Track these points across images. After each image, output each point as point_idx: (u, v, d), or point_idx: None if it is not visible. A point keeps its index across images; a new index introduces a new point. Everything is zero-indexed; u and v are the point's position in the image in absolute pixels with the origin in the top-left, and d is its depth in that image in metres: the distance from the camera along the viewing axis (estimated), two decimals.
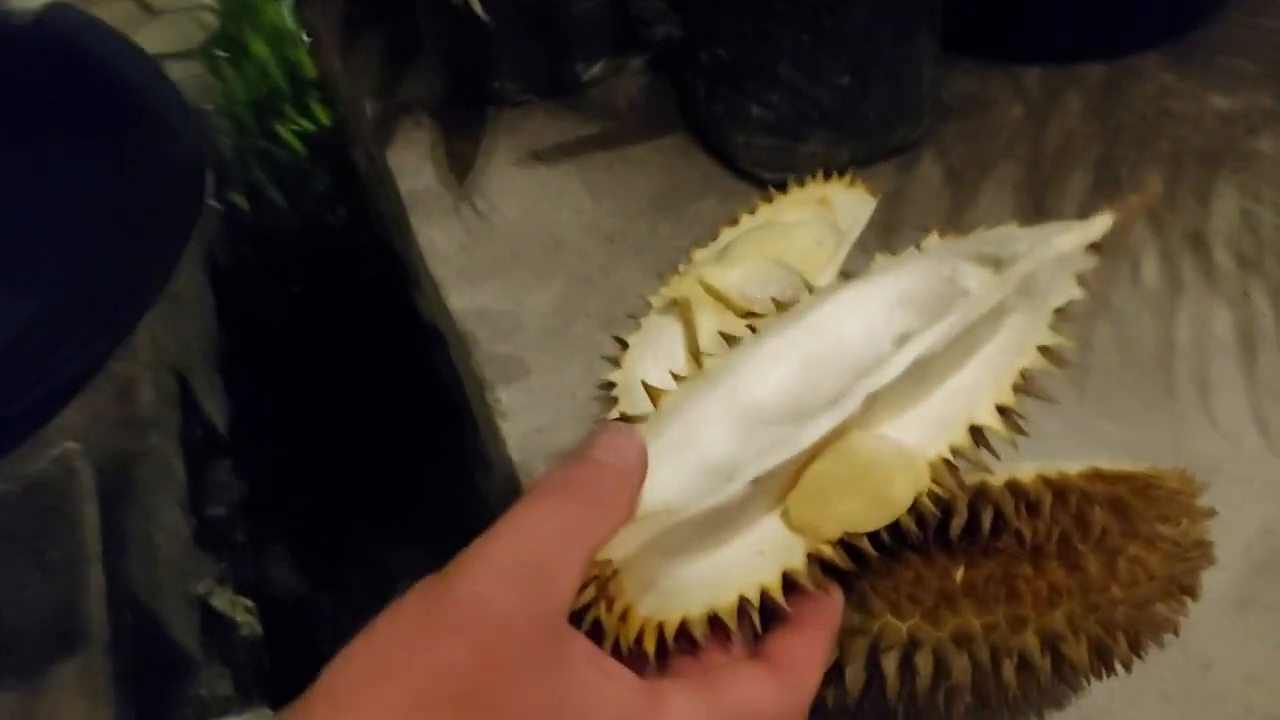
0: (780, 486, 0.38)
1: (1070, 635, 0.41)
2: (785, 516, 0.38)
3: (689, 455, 0.38)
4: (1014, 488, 0.41)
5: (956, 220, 0.71)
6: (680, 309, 0.58)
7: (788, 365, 0.41)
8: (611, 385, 0.57)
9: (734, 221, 0.61)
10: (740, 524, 0.38)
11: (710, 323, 0.56)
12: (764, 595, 0.37)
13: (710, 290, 0.56)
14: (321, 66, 1.22)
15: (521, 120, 0.81)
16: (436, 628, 0.31)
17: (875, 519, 0.37)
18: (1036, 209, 0.71)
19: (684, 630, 0.36)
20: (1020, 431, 0.40)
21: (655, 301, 0.59)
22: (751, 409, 0.40)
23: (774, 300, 0.54)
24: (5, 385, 0.51)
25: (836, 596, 0.39)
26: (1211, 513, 0.44)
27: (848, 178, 0.61)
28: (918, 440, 0.38)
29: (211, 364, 1.14)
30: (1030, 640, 0.41)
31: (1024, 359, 0.40)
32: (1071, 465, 0.42)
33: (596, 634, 0.35)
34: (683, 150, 0.77)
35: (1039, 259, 0.40)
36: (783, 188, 0.62)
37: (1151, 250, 0.67)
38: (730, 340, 0.43)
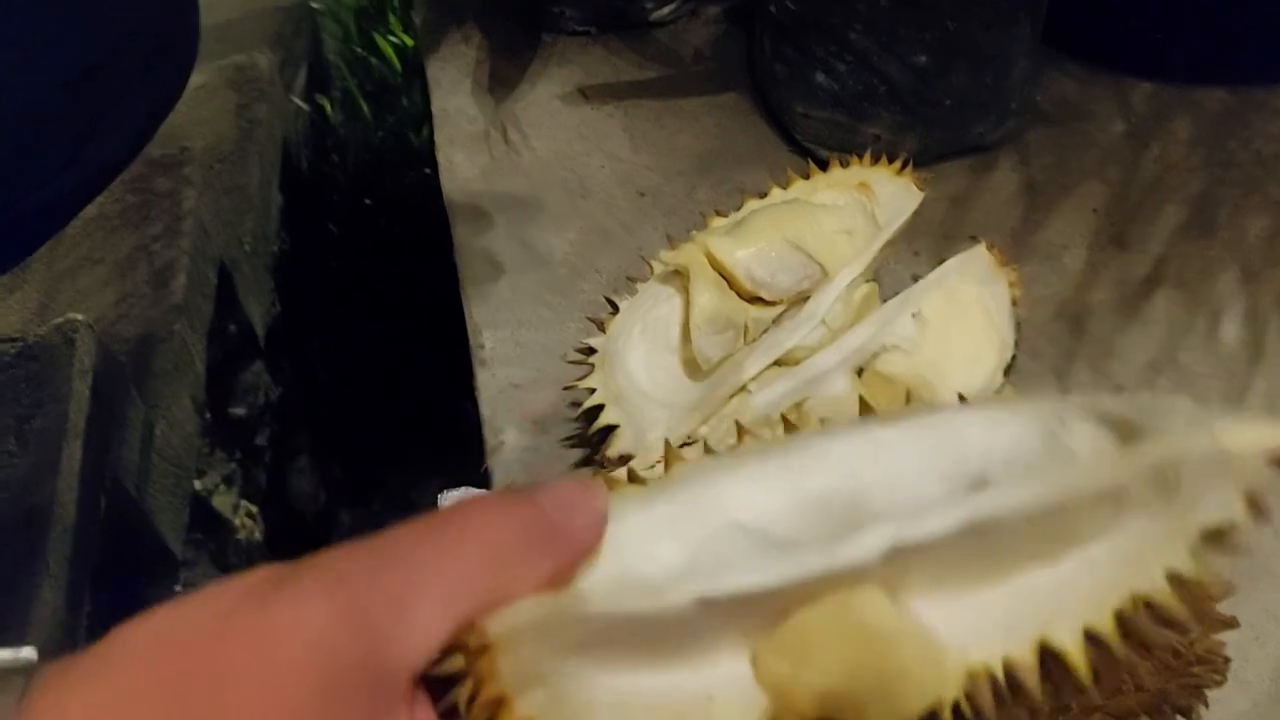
0: (757, 626, 0.29)
1: None
2: (754, 666, 0.29)
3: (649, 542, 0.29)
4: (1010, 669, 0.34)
5: (1026, 238, 0.63)
6: (680, 281, 0.51)
7: (835, 471, 0.30)
8: (591, 351, 0.51)
9: (762, 194, 0.54)
10: (692, 653, 0.28)
11: (709, 300, 0.50)
12: None
13: (715, 264, 0.50)
14: None
15: (577, 52, 0.75)
16: (225, 663, 0.23)
17: (868, 708, 0.28)
18: (1115, 241, 0.63)
19: None
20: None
21: (657, 267, 0.53)
22: (747, 523, 0.30)
23: (785, 290, 0.47)
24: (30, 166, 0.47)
25: None
26: (1232, 623, 0.37)
27: (896, 164, 0.54)
28: (959, 635, 0.28)
29: (265, 264, 1.10)
30: None
31: (1142, 580, 0.28)
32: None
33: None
34: (740, 112, 0.71)
35: (1189, 447, 0.28)
36: (835, 159, 0.55)
37: (1237, 307, 0.59)
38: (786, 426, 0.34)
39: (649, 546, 0.29)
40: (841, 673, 0.27)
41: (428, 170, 1.19)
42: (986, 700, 0.27)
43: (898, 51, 0.60)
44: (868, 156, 0.55)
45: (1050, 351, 0.58)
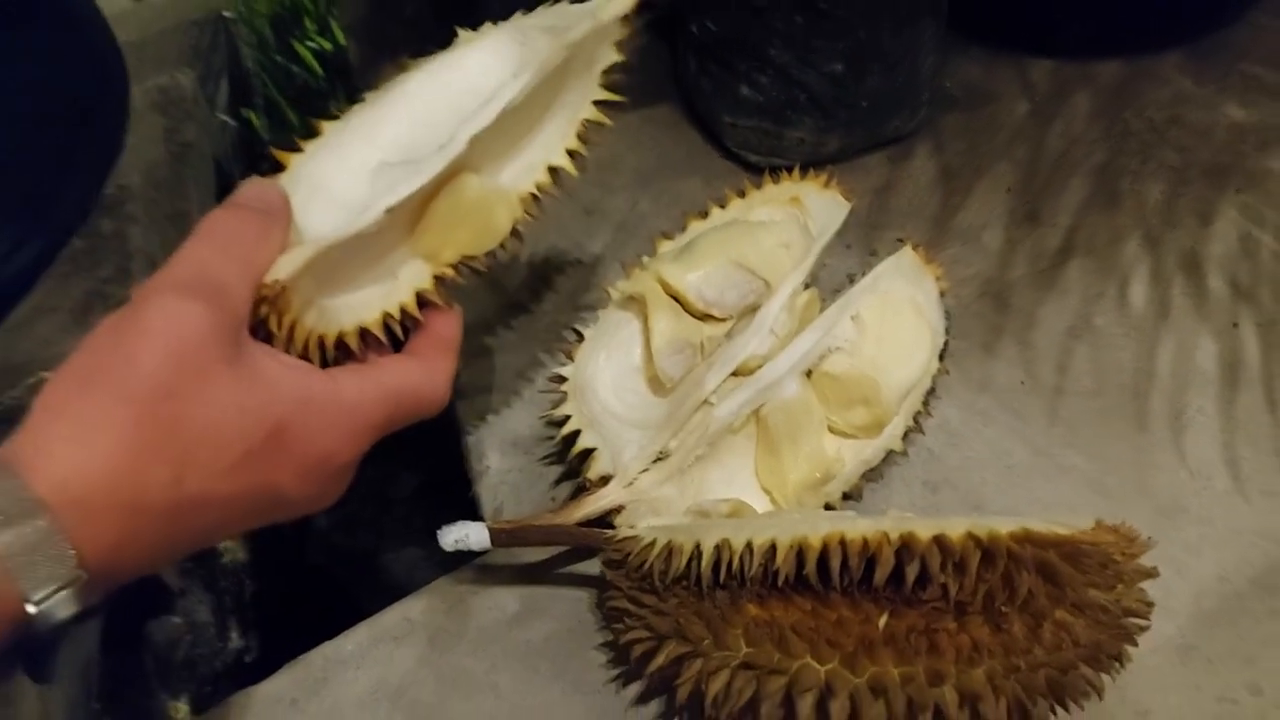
0: (409, 223, 0.46)
1: (989, 694, 0.40)
2: (414, 248, 0.46)
3: (331, 197, 0.45)
4: (941, 543, 0.39)
5: (946, 221, 0.68)
6: (637, 307, 0.56)
7: (405, 118, 0.47)
8: (562, 380, 0.55)
9: (704, 215, 0.59)
10: (379, 255, 0.46)
11: (666, 323, 0.54)
12: (403, 311, 0.45)
13: (669, 289, 0.54)
14: None
15: None
16: (130, 342, 0.36)
17: (483, 244, 0.47)
18: (1029, 216, 0.68)
19: (341, 343, 0.43)
20: (583, 170, 0.50)
21: (615, 294, 0.57)
22: (377, 158, 0.46)
23: (734, 306, 0.52)
24: None
25: (456, 310, 0.47)
26: (1152, 573, 0.42)
27: (823, 177, 0.59)
28: (512, 180, 0.48)
29: None
30: (948, 695, 0.40)
31: (583, 113, 0.49)
32: (1003, 524, 0.40)
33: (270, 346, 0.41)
34: (671, 124, 0.75)
35: (586, 30, 0.47)
36: (767, 172, 0.60)
37: (1143, 270, 0.65)
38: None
39: (344, 184, 0.45)
40: (464, 228, 0.46)
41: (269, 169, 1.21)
42: (533, 210, 0.48)
43: (814, 62, 0.65)
44: (796, 171, 0.59)
45: (978, 329, 0.63)
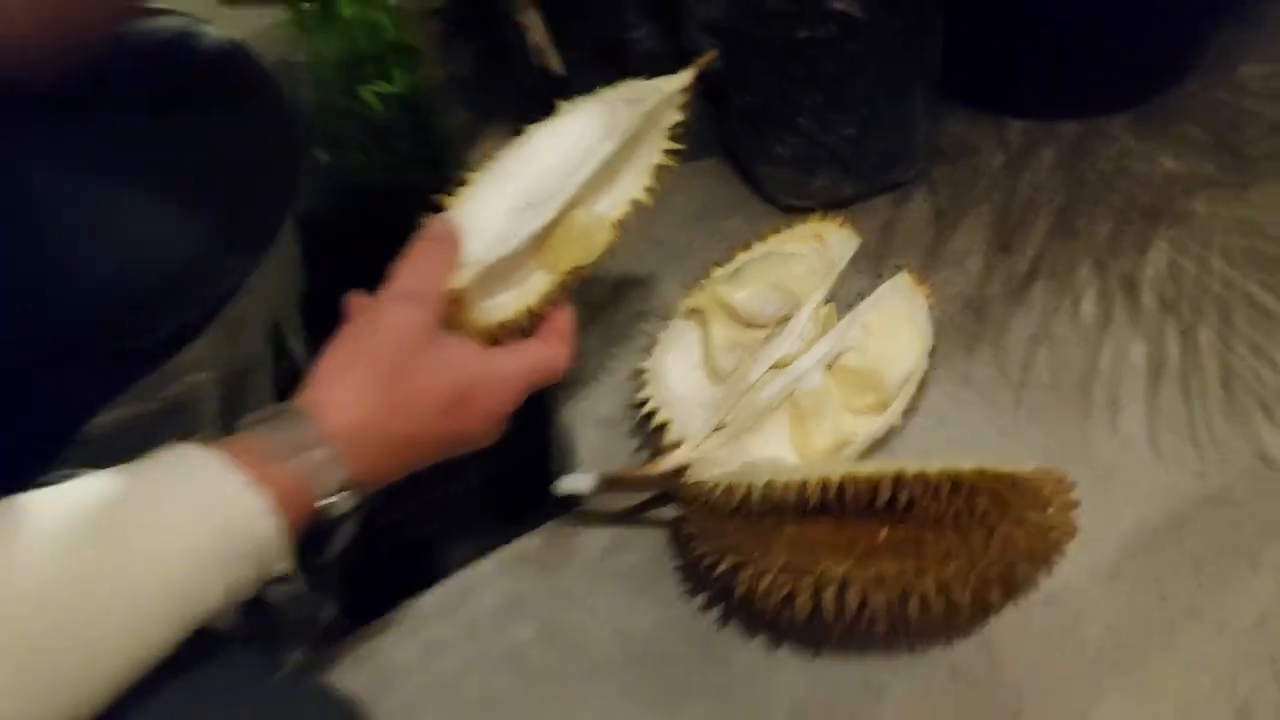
0: (534, 246, 0.64)
1: (957, 584, 0.57)
2: (538, 263, 0.64)
3: (480, 231, 0.62)
4: (923, 477, 0.57)
5: (937, 250, 0.86)
6: (698, 317, 0.74)
7: (527, 172, 0.65)
8: (642, 372, 0.73)
9: (747, 247, 0.77)
10: (515, 270, 0.64)
11: (721, 330, 0.72)
12: (534, 309, 0.63)
13: (723, 305, 0.72)
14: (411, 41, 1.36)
15: None
16: (372, 333, 0.55)
17: (587, 259, 0.64)
18: (1003, 247, 0.85)
19: (495, 331, 0.62)
20: (654, 204, 0.67)
21: (681, 307, 0.75)
22: (509, 203, 0.64)
23: (772, 317, 0.70)
24: (158, 312, 0.68)
25: (570, 307, 0.64)
26: (1075, 504, 0.60)
27: (840, 219, 0.77)
28: (605, 210, 0.65)
29: (295, 307, 1.30)
30: (929, 585, 0.57)
31: (656, 159, 0.67)
32: (968, 464, 0.57)
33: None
34: (717, 174, 0.93)
35: (658, 100, 0.66)
36: (797, 211, 0.78)
37: (1092, 290, 0.82)
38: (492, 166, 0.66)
39: (492, 224, 0.63)
40: (575, 247, 0.63)
41: (432, 210, 1.39)
42: (618, 231, 0.66)
43: (832, 128, 0.82)
44: (819, 213, 0.77)
45: (960, 335, 0.80)
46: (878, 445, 0.73)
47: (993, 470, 0.57)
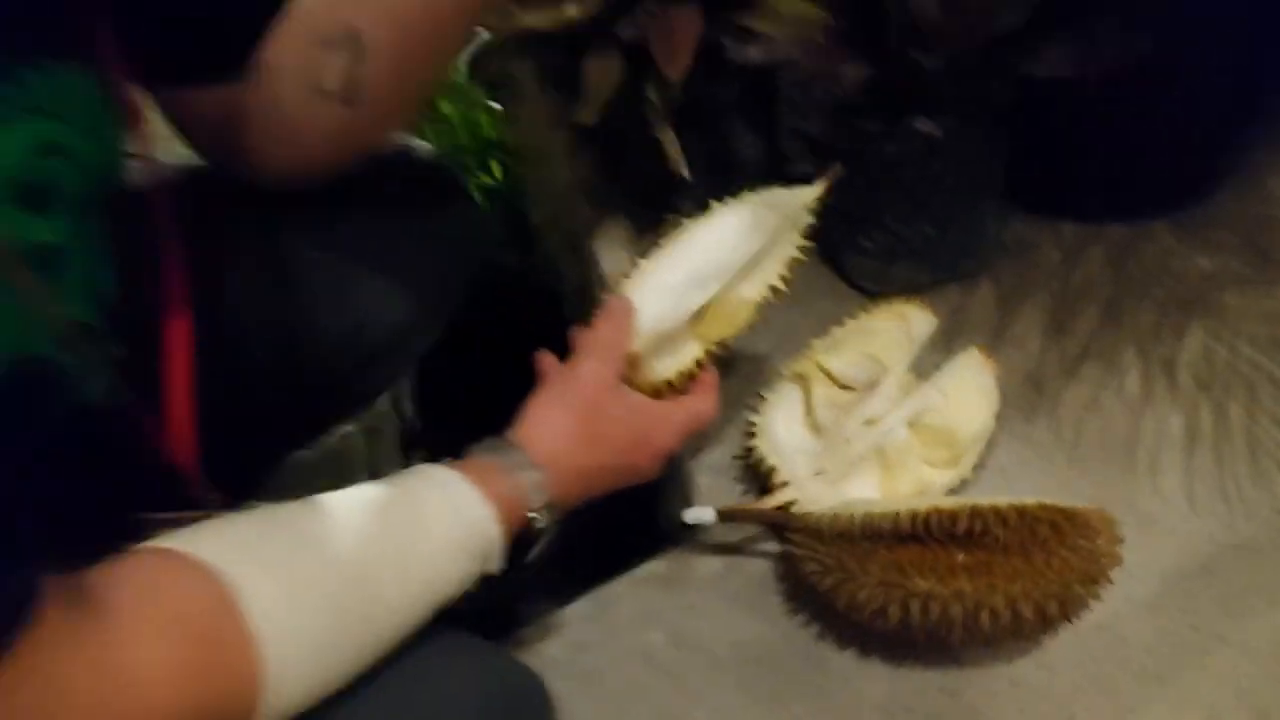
0: (693, 322, 0.79)
1: (1022, 600, 0.70)
2: (691, 334, 0.79)
3: (646, 307, 0.77)
4: (994, 509, 0.70)
5: (1001, 331, 1.00)
6: (801, 381, 0.88)
7: (686, 260, 0.80)
8: (753, 425, 0.87)
9: (842, 322, 0.91)
10: (674, 338, 0.79)
11: (821, 392, 0.86)
12: (689, 372, 0.78)
13: (823, 370, 0.87)
14: (516, 140, 1.54)
15: None
16: (572, 384, 0.71)
17: (732, 333, 0.80)
18: (1059, 330, 0.99)
19: (664, 386, 0.78)
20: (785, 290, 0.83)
21: (785, 374, 0.89)
22: (670, 285, 0.79)
23: (863, 382, 0.84)
24: (378, 367, 0.83)
25: (715, 371, 0.80)
26: (1120, 538, 0.73)
27: (918, 301, 0.91)
28: (751, 294, 0.81)
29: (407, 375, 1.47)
30: (999, 600, 0.70)
31: (791, 253, 0.82)
32: (1032, 500, 0.71)
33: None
34: (811, 261, 1.07)
35: (795, 205, 0.82)
36: (880, 295, 0.92)
37: (1136, 370, 0.95)
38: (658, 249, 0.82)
39: (659, 301, 0.79)
40: (724, 323, 0.80)
41: (531, 294, 1.54)
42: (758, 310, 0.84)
43: (913, 226, 0.97)
44: (901, 296, 0.91)
45: (1021, 403, 0.94)
46: (951, 494, 0.86)
47: (1052, 504, 0.70)
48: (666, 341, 0.78)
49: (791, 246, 0.82)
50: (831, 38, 0.91)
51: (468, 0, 0.67)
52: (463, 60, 1.18)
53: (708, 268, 0.79)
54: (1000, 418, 0.89)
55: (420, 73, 0.71)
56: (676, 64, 0.88)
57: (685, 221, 0.82)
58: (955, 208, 0.98)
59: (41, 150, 0.53)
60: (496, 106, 1.62)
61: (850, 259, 1.03)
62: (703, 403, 0.77)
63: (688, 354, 0.78)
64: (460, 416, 1.55)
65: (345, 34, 0.66)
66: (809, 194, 0.82)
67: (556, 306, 1.33)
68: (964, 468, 0.85)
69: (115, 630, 0.47)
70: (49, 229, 0.54)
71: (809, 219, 0.82)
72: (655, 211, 1.13)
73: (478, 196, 1.71)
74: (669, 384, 0.77)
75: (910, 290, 0.99)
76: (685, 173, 0.95)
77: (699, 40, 0.90)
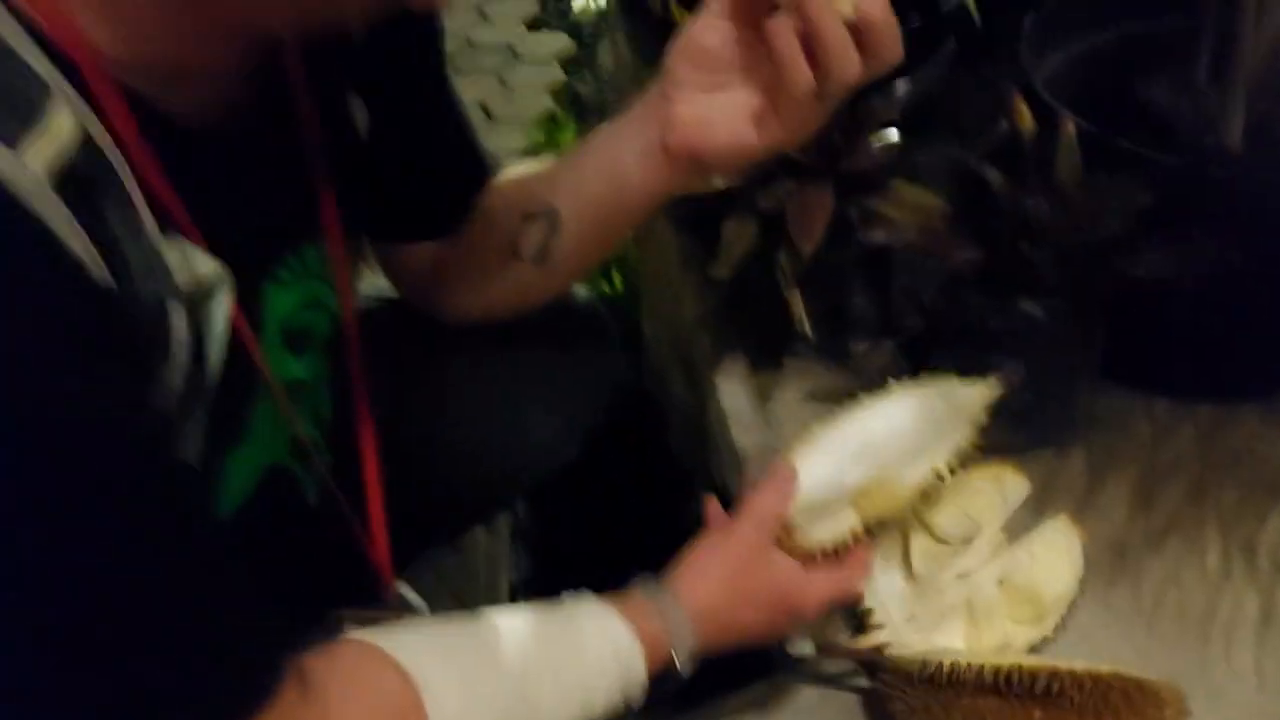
0: (852, 494, 0.84)
1: None
2: (854, 508, 0.84)
3: (810, 475, 0.83)
4: (1071, 671, 0.78)
5: (1089, 500, 1.07)
6: (901, 531, 0.97)
7: (853, 438, 0.86)
8: None
9: (941, 478, 1.00)
10: (833, 507, 0.84)
11: (919, 542, 0.95)
12: (843, 542, 0.83)
13: (923, 523, 0.96)
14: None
15: (805, 371, 1.22)
16: (725, 544, 0.78)
17: (889, 514, 0.86)
18: (1145, 503, 1.06)
19: (817, 553, 0.82)
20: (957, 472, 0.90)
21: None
22: (836, 458, 0.85)
23: (959, 536, 0.93)
24: (515, 486, 0.95)
25: (869, 543, 0.86)
26: (1188, 712, 0.79)
27: (1013, 464, 1.00)
28: (915, 478, 0.86)
29: None
30: None
31: (961, 445, 0.88)
32: (1106, 667, 0.78)
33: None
34: None
35: (969, 400, 0.89)
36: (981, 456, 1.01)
37: (1215, 547, 1.02)
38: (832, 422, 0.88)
39: (822, 470, 0.85)
40: (883, 501, 0.85)
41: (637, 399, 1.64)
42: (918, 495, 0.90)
43: (1013, 395, 1.06)
44: (998, 460, 1.00)
45: (1105, 570, 1.01)
46: (1032, 651, 0.93)
47: (1125, 673, 0.78)
48: (824, 509, 0.83)
49: (962, 438, 0.87)
50: (948, 224, 1.01)
51: (654, 190, 0.79)
52: None
53: (875, 445, 0.85)
54: (1084, 582, 0.96)
55: (605, 244, 0.84)
56: (809, 239, 0.99)
57: (862, 397, 0.90)
58: (1052, 381, 1.06)
59: (308, 305, 0.66)
60: None
61: None
62: (850, 579, 0.84)
63: (844, 524, 0.83)
64: (565, 511, 1.66)
65: (545, 210, 0.79)
66: (986, 392, 0.89)
67: (660, 418, 1.45)
68: (1046, 627, 0.93)
69: (325, 714, 0.58)
70: (303, 367, 0.67)
71: (983, 416, 0.88)
72: (771, 355, 1.24)
73: (595, 300, 1.85)
74: (823, 551, 0.83)
75: (1006, 453, 1.08)
76: (809, 331, 1.05)
77: (830, 217, 1.01)
